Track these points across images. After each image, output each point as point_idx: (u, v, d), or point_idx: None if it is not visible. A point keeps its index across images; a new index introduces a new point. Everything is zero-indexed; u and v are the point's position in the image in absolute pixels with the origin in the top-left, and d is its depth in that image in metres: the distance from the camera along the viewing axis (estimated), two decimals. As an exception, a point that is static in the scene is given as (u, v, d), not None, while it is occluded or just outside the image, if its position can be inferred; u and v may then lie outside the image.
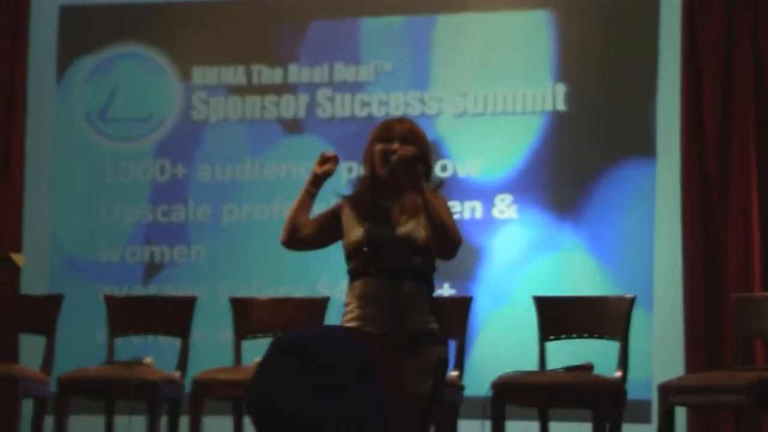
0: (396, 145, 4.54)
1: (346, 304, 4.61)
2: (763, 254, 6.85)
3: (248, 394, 2.24)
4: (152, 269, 7.79)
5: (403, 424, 4.31)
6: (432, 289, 4.61)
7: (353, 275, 4.59)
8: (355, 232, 4.56)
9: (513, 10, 7.54)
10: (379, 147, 4.58)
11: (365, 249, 4.51)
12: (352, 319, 4.54)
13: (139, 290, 7.71)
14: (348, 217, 4.62)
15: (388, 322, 4.46)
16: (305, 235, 4.64)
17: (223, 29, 7.90)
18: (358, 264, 4.56)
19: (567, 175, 7.32)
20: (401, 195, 4.56)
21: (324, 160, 4.63)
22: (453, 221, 4.58)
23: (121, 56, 7.97)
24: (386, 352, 4.12)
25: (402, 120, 4.74)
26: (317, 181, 4.61)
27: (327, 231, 4.65)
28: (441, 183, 4.83)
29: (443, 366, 4.57)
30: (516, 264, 7.31)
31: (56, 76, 8.04)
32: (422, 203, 4.45)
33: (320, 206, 4.71)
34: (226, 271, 7.65)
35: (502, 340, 7.14)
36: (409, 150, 4.51)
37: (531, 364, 6.17)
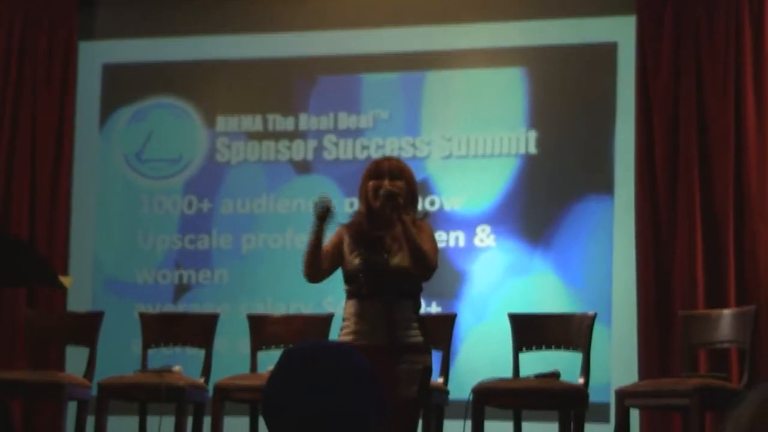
0: (386, 182, 4.55)
1: (344, 320, 4.61)
2: (706, 276, 6.83)
3: (263, 398, 2.24)
4: (181, 290, 7.79)
5: (394, 422, 4.31)
6: (418, 306, 4.60)
7: (350, 295, 4.59)
8: (354, 259, 4.56)
9: (492, 68, 7.56)
10: (371, 183, 4.58)
11: (361, 275, 4.52)
12: (348, 333, 4.54)
13: (169, 308, 7.70)
14: (347, 245, 4.63)
15: (380, 336, 4.46)
16: (325, 270, 4.64)
17: (243, 83, 7.92)
18: (355, 286, 4.56)
19: (538, 209, 7.33)
20: (393, 225, 4.56)
21: (321, 207, 4.55)
22: (434, 248, 4.56)
23: (156, 106, 7.99)
24: (380, 361, 4.13)
25: (389, 159, 4.76)
26: (323, 225, 4.56)
27: (336, 261, 4.65)
28: (426, 214, 4.83)
29: (428, 373, 4.57)
30: (494, 286, 7.31)
31: (99, 123, 8.06)
32: (401, 231, 4.46)
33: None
34: (245, 292, 7.65)
35: (481, 351, 7.13)
36: (395, 185, 4.52)
37: (506, 372, 6.16)
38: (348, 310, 4.60)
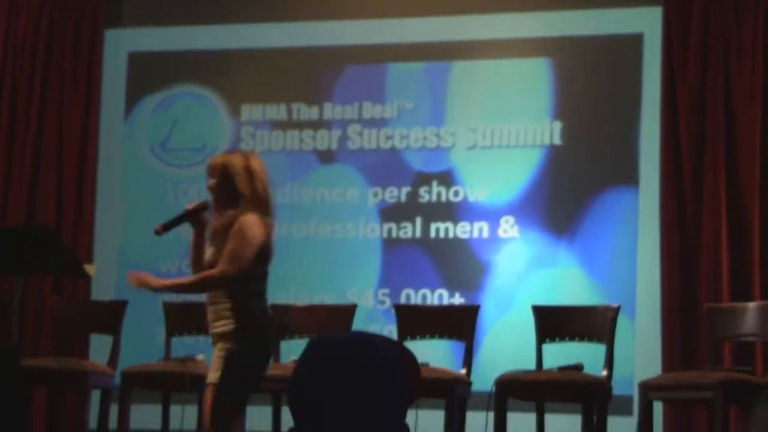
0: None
1: None
2: (731, 269, 6.82)
3: (289, 388, 2.25)
4: (205, 279, 7.81)
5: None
6: (236, 295, 4.75)
7: None
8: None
9: (517, 58, 7.55)
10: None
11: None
12: None
13: (193, 297, 7.71)
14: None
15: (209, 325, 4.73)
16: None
17: (268, 72, 7.93)
18: None
19: (562, 200, 7.32)
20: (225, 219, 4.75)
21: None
22: (238, 246, 4.74)
23: (180, 95, 8.02)
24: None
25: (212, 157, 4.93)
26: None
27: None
28: (205, 205, 4.89)
29: (234, 358, 4.66)
30: (518, 277, 7.31)
31: (124, 111, 8.10)
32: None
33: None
34: (269, 281, 7.65)
35: (504, 342, 7.13)
36: (210, 184, 4.74)
37: (529, 364, 6.17)
38: None
